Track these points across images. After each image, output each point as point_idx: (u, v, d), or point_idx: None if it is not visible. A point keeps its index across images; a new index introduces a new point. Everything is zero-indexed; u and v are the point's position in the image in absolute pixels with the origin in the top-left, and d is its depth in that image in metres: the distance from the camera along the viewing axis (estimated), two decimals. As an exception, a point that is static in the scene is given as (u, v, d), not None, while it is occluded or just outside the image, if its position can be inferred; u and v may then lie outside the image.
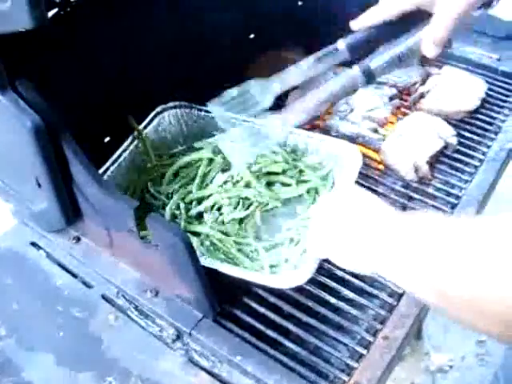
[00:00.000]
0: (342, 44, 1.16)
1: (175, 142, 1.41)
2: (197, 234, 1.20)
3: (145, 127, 1.35)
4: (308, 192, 1.26)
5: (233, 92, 1.20)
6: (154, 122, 1.37)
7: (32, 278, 1.20)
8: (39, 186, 1.07)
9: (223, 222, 1.21)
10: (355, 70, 1.14)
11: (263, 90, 1.20)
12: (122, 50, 1.35)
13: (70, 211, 1.14)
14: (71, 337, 1.10)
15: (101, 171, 1.25)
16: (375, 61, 1.13)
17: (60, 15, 1.20)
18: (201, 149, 1.34)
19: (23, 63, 1.03)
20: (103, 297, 1.16)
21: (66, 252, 1.22)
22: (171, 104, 1.39)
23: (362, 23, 1.17)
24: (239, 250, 1.16)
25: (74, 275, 1.20)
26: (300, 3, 1.81)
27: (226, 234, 1.19)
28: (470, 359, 2.28)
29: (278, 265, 1.14)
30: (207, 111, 1.37)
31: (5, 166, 1.17)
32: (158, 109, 1.38)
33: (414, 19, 1.12)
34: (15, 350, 1.09)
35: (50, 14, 1.18)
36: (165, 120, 1.38)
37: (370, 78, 1.14)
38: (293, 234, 1.19)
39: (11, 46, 0.93)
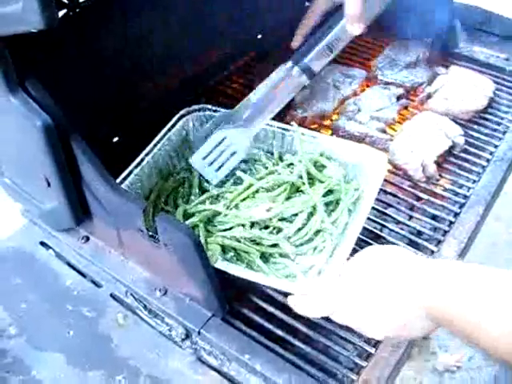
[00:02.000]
0: (289, 64, 1.30)
1: (199, 146, 1.40)
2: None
3: (169, 130, 1.35)
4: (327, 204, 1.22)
5: (210, 144, 1.28)
6: (178, 125, 1.36)
7: (41, 277, 1.20)
8: (49, 185, 1.08)
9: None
10: (296, 72, 1.29)
11: (239, 136, 1.29)
12: (132, 50, 1.36)
13: (80, 210, 1.14)
14: (81, 336, 1.11)
15: (124, 174, 1.23)
16: (310, 57, 1.28)
17: (69, 16, 1.21)
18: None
19: (33, 64, 1.03)
20: (112, 296, 1.16)
21: (75, 251, 1.22)
22: (195, 107, 1.37)
23: (297, 41, 1.43)
24: (262, 258, 1.14)
25: (83, 274, 1.20)
26: (307, 4, 1.81)
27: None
28: (477, 360, 2.28)
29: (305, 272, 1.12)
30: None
31: (14, 166, 1.18)
32: (182, 112, 1.37)
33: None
34: (25, 349, 1.09)
35: (60, 14, 1.19)
36: (189, 123, 1.37)
37: (310, 75, 1.29)
38: (317, 242, 1.17)
39: (21, 47, 0.94)
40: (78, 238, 1.23)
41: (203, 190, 1.28)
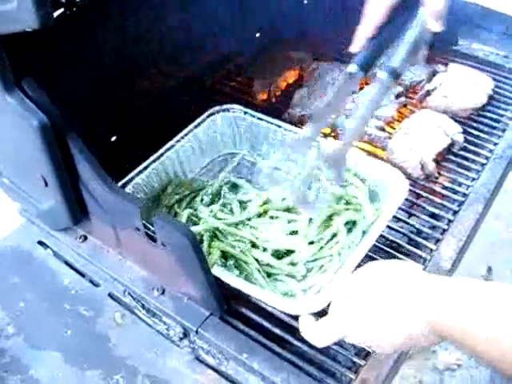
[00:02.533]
0: (353, 67, 1.13)
1: (225, 146, 1.40)
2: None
3: (195, 127, 1.35)
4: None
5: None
6: (206, 123, 1.36)
7: (39, 276, 1.20)
8: (46, 184, 1.08)
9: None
10: (382, 75, 1.11)
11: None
12: (129, 49, 1.35)
13: (77, 210, 1.14)
14: (78, 335, 1.11)
15: (141, 167, 1.25)
16: (394, 60, 1.12)
17: (66, 15, 1.21)
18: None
19: (30, 63, 1.03)
20: (110, 295, 1.16)
21: (73, 250, 1.22)
22: (225, 106, 1.38)
23: (359, 43, 1.15)
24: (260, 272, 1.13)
25: (81, 274, 1.20)
26: (305, 2, 1.81)
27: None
28: (478, 358, 2.27)
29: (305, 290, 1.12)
30: (260, 118, 1.36)
31: (12, 165, 1.18)
32: (211, 110, 1.37)
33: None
34: (23, 349, 1.09)
35: (56, 13, 1.19)
36: (217, 122, 1.38)
37: (396, 77, 1.13)
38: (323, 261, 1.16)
39: (18, 46, 0.94)
40: (75, 237, 1.23)
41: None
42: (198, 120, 1.35)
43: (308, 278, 1.13)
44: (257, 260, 1.14)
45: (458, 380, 2.22)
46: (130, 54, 1.35)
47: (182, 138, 1.32)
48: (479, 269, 2.55)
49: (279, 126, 1.34)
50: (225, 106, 1.38)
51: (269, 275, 1.13)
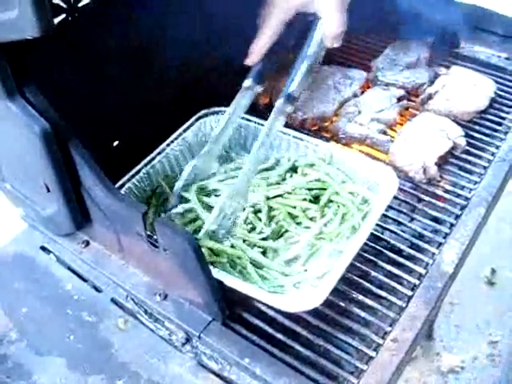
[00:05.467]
0: (248, 82, 1.26)
1: None
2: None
3: (185, 130, 1.36)
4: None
5: None
6: (195, 126, 1.37)
7: (42, 282, 1.21)
8: (48, 190, 1.08)
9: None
10: (278, 103, 1.23)
11: None
12: (132, 55, 1.35)
13: (79, 215, 1.15)
14: (81, 341, 1.11)
15: (133, 172, 1.27)
16: (292, 86, 1.23)
17: (68, 21, 1.21)
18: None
19: (32, 70, 1.03)
20: (113, 300, 1.16)
21: (76, 256, 1.23)
22: (213, 109, 1.39)
23: (255, 57, 1.27)
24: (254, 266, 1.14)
25: (84, 279, 1.21)
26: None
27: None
28: (482, 360, 2.27)
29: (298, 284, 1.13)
30: (249, 120, 1.37)
31: (14, 172, 1.18)
32: (200, 113, 1.38)
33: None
34: (26, 354, 1.10)
35: (58, 19, 1.19)
36: (206, 125, 1.38)
37: (292, 101, 1.24)
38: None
39: (20, 53, 0.94)
40: (78, 243, 1.23)
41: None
42: (187, 123, 1.36)
43: (296, 273, 1.14)
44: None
45: (462, 382, 2.23)
46: (133, 59, 1.35)
47: (172, 141, 1.33)
48: (483, 270, 2.55)
49: None
50: (213, 109, 1.38)
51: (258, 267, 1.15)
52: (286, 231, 1.21)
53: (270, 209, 1.23)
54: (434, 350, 2.31)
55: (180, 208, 1.24)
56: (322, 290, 1.02)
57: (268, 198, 1.23)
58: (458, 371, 2.26)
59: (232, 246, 1.17)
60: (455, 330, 2.36)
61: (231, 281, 1.05)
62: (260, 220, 1.21)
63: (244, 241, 1.18)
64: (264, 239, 1.19)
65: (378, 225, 1.24)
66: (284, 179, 1.29)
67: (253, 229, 1.21)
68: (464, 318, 2.40)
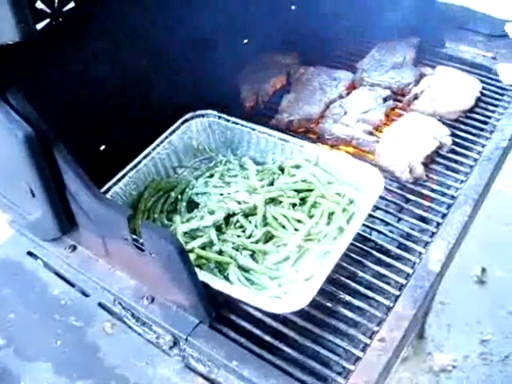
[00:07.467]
0: None
1: (200, 151, 1.41)
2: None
3: (170, 134, 1.36)
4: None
5: None
6: (181, 130, 1.37)
7: (29, 287, 1.20)
8: (33, 195, 1.08)
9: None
10: None
11: None
12: (118, 59, 1.35)
13: (65, 220, 1.14)
14: (69, 345, 1.10)
15: (119, 176, 1.26)
16: None
17: (53, 26, 1.21)
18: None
19: (15, 75, 1.03)
20: (100, 305, 1.16)
21: (63, 261, 1.22)
22: (199, 112, 1.39)
23: None
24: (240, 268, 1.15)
25: (71, 284, 1.20)
26: (293, 8, 1.81)
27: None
28: (473, 359, 2.28)
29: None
30: (235, 122, 1.38)
31: (0, 177, 1.18)
32: (186, 116, 1.39)
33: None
34: (13, 360, 1.09)
35: (42, 24, 1.19)
36: (192, 128, 1.39)
37: None
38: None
39: (1, 59, 0.94)
40: (65, 248, 1.23)
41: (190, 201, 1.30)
42: (173, 127, 1.36)
43: (284, 276, 1.14)
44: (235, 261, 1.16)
45: (454, 381, 2.23)
46: (120, 64, 1.35)
47: (158, 145, 1.33)
48: (473, 269, 2.55)
49: (253, 129, 1.35)
50: (199, 112, 1.39)
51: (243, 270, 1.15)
52: (274, 236, 1.22)
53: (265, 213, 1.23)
54: (425, 349, 2.31)
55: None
56: (309, 291, 1.02)
57: (266, 203, 1.24)
58: (449, 370, 2.26)
59: (221, 251, 1.17)
60: (446, 330, 2.37)
61: (217, 283, 1.05)
62: (250, 223, 1.22)
63: (233, 243, 1.18)
64: (254, 242, 1.19)
65: (366, 226, 1.25)
66: (273, 182, 1.29)
67: (243, 231, 1.21)
68: (455, 317, 2.40)
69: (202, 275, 1.05)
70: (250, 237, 1.20)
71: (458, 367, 2.26)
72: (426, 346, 2.32)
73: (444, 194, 1.33)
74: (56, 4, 1.20)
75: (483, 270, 2.55)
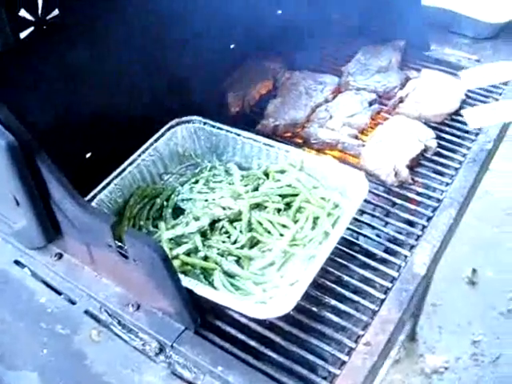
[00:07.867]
0: None
1: (186, 157, 1.41)
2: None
3: (156, 140, 1.36)
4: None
5: None
6: (166, 136, 1.37)
7: (16, 295, 1.20)
8: (17, 204, 1.08)
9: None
10: None
11: None
12: (103, 66, 1.35)
13: (50, 228, 1.14)
14: (55, 354, 1.10)
15: (104, 183, 1.26)
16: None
17: (36, 34, 1.21)
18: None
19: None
20: (86, 312, 1.16)
21: (49, 269, 1.22)
22: (185, 118, 1.40)
23: None
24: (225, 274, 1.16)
25: (58, 292, 1.20)
26: (279, 12, 1.82)
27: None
28: (465, 360, 2.28)
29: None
30: (220, 128, 1.38)
31: (-16, 186, 1.18)
32: (172, 122, 1.39)
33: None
34: (-1, 369, 1.09)
35: (26, 33, 1.19)
36: (177, 134, 1.39)
37: None
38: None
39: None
40: (51, 256, 1.23)
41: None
42: (158, 133, 1.37)
43: (269, 281, 1.14)
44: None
45: (446, 383, 2.24)
46: (104, 71, 1.35)
47: (143, 152, 1.33)
48: (464, 271, 2.56)
49: (238, 135, 1.36)
50: (184, 118, 1.39)
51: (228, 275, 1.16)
52: (259, 241, 1.22)
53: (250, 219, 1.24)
54: (417, 351, 2.32)
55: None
56: (293, 295, 1.02)
57: (251, 208, 1.24)
58: (441, 372, 2.27)
59: (206, 257, 1.17)
60: (438, 331, 2.38)
61: (202, 289, 1.05)
62: (235, 228, 1.22)
63: (218, 249, 1.18)
64: (239, 248, 1.19)
65: (352, 230, 1.25)
66: (257, 187, 1.30)
67: (228, 237, 1.22)
68: (446, 318, 2.41)
69: (187, 281, 1.05)
70: (235, 242, 1.20)
71: (449, 368, 2.27)
72: (418, 348, 2.33)
73: (430, 197, 1.33)
74: (40, 12, 1.20)
75: (474, 271, 2.56)
